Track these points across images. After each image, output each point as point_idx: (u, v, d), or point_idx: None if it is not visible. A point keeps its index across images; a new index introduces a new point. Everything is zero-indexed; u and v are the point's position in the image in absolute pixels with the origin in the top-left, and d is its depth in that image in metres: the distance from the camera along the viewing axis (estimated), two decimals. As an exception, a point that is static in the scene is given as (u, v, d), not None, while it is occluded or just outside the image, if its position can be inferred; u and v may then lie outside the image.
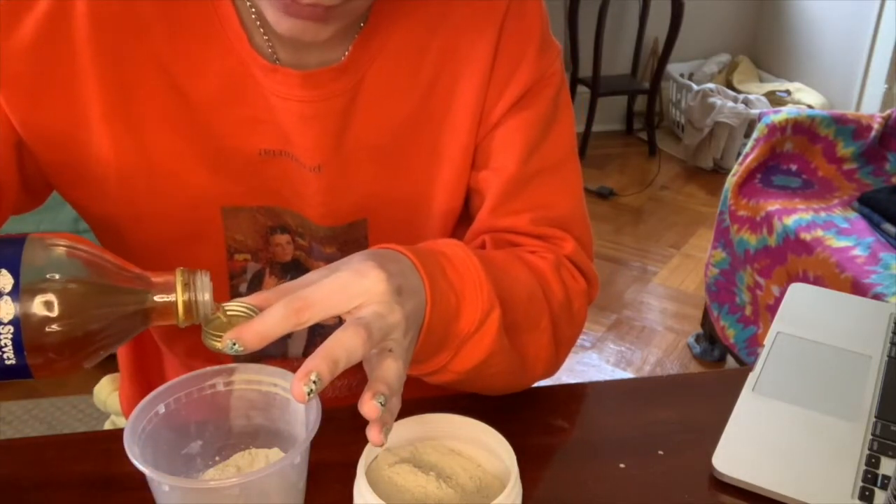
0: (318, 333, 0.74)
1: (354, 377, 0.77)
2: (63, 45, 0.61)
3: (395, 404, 0.48)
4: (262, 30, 0.63)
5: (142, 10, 0.62)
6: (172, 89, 0.63)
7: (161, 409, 0.54)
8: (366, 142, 0.67)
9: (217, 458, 0.58)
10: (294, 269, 0.72)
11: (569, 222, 0.71)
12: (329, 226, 0.69)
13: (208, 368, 0.56)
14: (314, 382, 0.43)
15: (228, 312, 0.48)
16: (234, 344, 0.45)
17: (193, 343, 0.72)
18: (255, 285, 0.71)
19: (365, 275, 0.48)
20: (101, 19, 0.61)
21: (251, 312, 0.48)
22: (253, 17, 0.63)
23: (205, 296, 0.47)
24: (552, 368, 0.69)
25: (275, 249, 0.71)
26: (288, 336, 0.73)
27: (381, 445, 0.47)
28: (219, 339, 0.46)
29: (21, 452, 0.66)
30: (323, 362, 0.44)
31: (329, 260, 0.70)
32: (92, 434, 0.72)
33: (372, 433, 0.47)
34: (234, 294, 0.71)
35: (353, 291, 0.48)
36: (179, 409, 0.55)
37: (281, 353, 0.75)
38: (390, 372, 0.48)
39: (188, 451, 0.57)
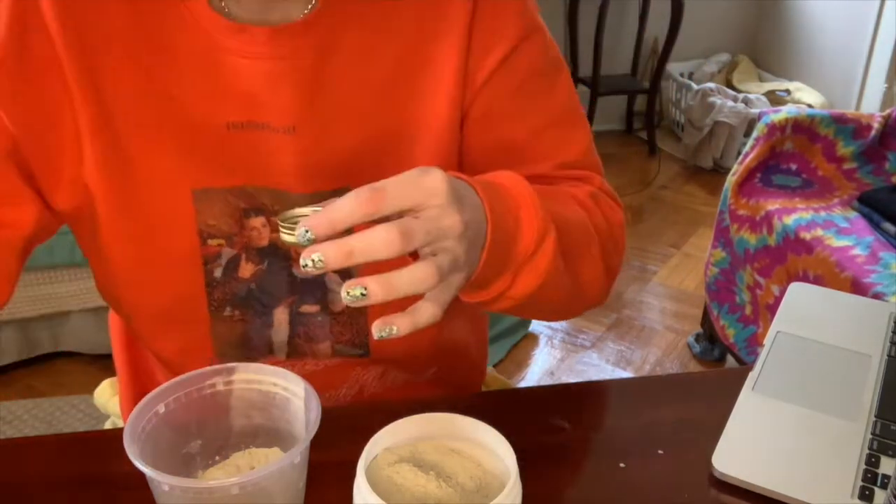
0: (299, 323, 0.73)
1: (356, 382, 0.77)
2: (35, 35, 0.61)
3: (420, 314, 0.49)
4: None
5: None
6: (138, 68, 0.63)
7: (161, 408, 0.54)
8: (343, 103, 0.66)
9: (217, 458, 0.58)
10: (271, 254, 0.70)
11: (588, 162, 0.75)
12: (308, 193, 0.68)
13: (208, 368, 0.56)
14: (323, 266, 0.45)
15: (299, 214, 0.51)
16: (307, 232, 0.45)
17: (183, 349, 0.73)
18: (231, 270, 0.70)
19: (429, 172, 0.48)
20: (63, 6, 0.61)
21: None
22: None
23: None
24: (604, 295, 0.72)
25: (250, 234, 0.69)
26: (270, 326, 0.72)
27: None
28: (292, 233, 0.47)
29: (21, 452, 0.66)
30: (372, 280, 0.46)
31: None
32: (92, 434, 0.72)
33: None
34: (209, 279, 0.70)
35: (425, 185, 0.47)
36: (179, 408, 0.55)
37: (266, 344, 0.74)
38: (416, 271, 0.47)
39: (188, 451, 0.57)
